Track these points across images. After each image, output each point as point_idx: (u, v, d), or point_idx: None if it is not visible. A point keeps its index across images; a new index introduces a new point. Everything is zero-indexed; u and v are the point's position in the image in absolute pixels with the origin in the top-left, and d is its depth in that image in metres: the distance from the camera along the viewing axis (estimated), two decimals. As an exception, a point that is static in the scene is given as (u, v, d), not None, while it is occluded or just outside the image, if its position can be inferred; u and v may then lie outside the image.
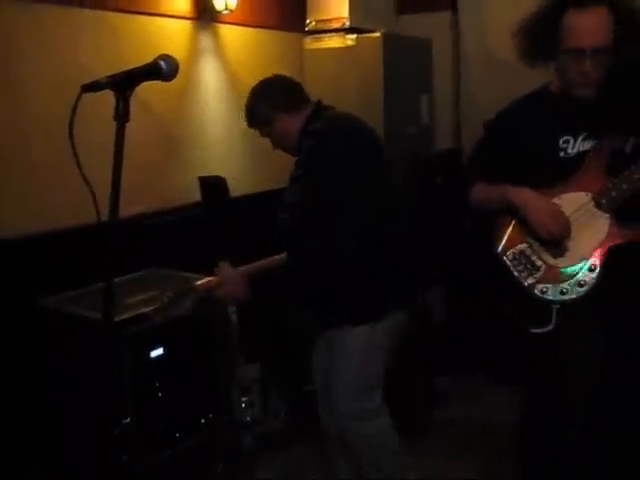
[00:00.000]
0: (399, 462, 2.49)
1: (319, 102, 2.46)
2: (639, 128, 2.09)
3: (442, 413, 3.57)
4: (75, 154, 1.33)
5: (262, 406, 3.27)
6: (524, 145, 2.14)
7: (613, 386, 2.25)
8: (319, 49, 4.14)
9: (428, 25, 4.65)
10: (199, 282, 2.34)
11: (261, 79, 2.46)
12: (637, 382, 2.30)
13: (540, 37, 2.11)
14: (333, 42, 4.10)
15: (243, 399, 3.18)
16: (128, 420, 2.02)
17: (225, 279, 2.30)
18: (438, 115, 4.64)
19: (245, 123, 2.49)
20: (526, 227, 2.12)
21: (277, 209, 2.37)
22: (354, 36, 4.05)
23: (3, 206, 2.59)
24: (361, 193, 2.21)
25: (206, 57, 3.58)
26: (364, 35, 4.05)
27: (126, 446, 2.13)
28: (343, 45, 4.07)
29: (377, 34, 4.03)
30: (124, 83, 1.37)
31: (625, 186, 2.04)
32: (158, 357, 2.66)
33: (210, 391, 2.90)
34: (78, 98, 1.31)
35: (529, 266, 2.10)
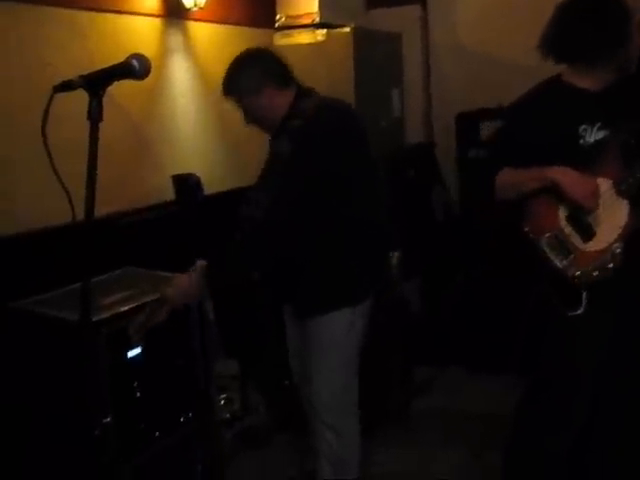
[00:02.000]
0: (358, 463, 2.46)
1: (300, 84, 2.39)
2: None
3: (421, 404, 3.60)
4: (49, 155, 1.32)
5: (241, 403, 3.27)
6: (546, 133, 2.16)
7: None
8: (289, 45, 4.14)
9: (397, 19, 4.68)
10: (167, 290, 2.31)
11: (245, 49, 2.35)
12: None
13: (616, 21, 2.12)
14: (303, 37, 4.11)
15: (222, 396, 3.18)
16: (109, 420, 2.01)
17: (182, 283, 2.29)
18: (409, 108, 4.67)
19: (222, 91, 2.33)
20: (560, 210, 2.17)
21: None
22: (324, 31, 4.06)
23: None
24: (340, 181, 2.21)
25: (176, 55, 3.56)
26: (334, 30, 4.07)
27: (107, 446, 2.12)
28: (313, 40, 4.08)
29: (347, 29, 4.05)
30: (97, 83, 1.37)
31: (639, 174, 2.12)
32: (135, 357, 2.64)
33: (189, 389, 2.89)
34: (50, 99, 1.31)
35: (562, 250, 2.16)
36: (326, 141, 2.20)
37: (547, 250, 2.17)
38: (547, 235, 2.18)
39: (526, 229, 2.21)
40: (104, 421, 1.93)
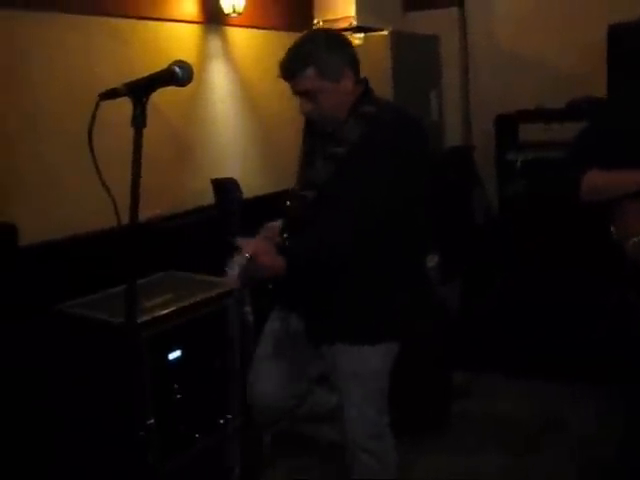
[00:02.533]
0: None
1: (366, 81, 2.13)
2: None
3: (461, 409, 3.57)
4: (95, 162, 1.34)
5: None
6: (637, 134, 2.12)
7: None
8: (327, 49, 4.16)
9: (435, 21, 4.67)
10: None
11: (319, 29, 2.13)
12: None
13: None
14: (341, 41, 4.12)
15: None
16: (152, 421, 2.03)
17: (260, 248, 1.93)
18: (447, 111, 4.65)
19: (291, 67, 1.98)
20: None
21: (298, 184, 2.12)
22: (362, 35, 4.06)
23: (21, 214, 2.61)
24: (410, 195, 2.03)
25: (215, 60, 3.60)
26: (371, 34, 4.07)
27: (151, 447, 2.13)
28: (351, 44, 4.09)
29: (384, 32, 4.05)
30: (141, 90, 1.39)
31: None
32: (176, 359, 2.68)
33: (227, 391, 2.91)
34: (96, 107, 1.33)
35: None
36: (400, 132, 2.01)
37: (632, 253, 2.13)
38: (634, 239, 2.14)
39: (612, 230, 2.18)
40: (148, 422, 1.95)
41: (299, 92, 2.02)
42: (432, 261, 3.43)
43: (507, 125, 4.06)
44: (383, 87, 4.02)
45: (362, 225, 1.94)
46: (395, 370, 2.30)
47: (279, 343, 2.28)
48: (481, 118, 4.53)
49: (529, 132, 4.06)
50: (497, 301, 4.06)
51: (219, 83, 3.62)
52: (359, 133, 2.00)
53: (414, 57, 4.26)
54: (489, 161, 4.29)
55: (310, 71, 1.97)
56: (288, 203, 2.11)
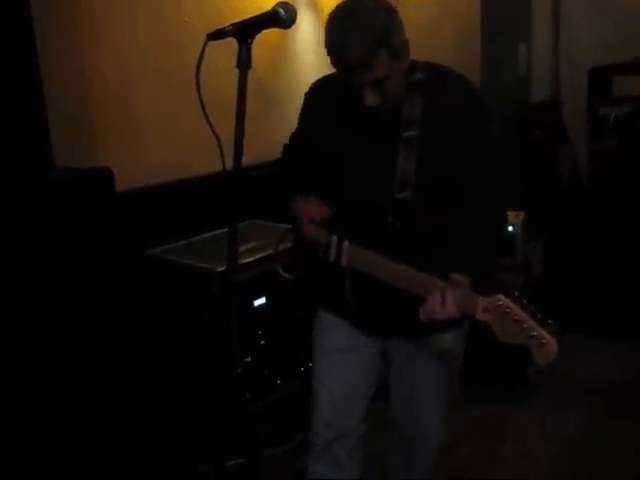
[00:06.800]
0: None
1: None
2: None
3: (542, 368, 3.53)
4: (201, 102, 1.36)
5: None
6: None
7: None
8: (415, 0, 4.05)
9: (526, -31, 4.48)
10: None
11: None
12: None
13: None
14: (429, -9, 4.01)
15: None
16: (249, 359, 2.06)
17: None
18: (536, 64, 4.49)
19: (352, 63, 1.58)
20: None
21: (382, 187, 1.75)
22: (450, -16, 3.95)
23: (116, 160, 2.67)
24: None
25: (303, 9, 3.55)
26: (461, -17, 3.95)
27: (248, 385, 2.17)
28: (440, -9, 3.98)
29: (474, -19, 3.93)
30: (247, 31, 1.39)
31: None
32: (261, 306, 2.72)
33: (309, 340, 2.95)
34: (204, 46, 1.34)
35: None
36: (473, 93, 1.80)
37: None
38: None
39: None
40: (245, 360, 1.98)
41: (364, 83, 1.62)
42: (517, 219, 3.37)
43: (601, 78, 3.88)
44: (471, 39, 3.92)
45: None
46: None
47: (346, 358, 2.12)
48: (571, 72, 4.36)
49: (624, 86, 3.88)
50: (581, 260, 3.97)
51: (307, 32, 3.57)
52: (420, 107, 1.71)
53: (504, 8, 4.12)
54: (578, 117, 4.14)
55: (382, 55, 1.58)
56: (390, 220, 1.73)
